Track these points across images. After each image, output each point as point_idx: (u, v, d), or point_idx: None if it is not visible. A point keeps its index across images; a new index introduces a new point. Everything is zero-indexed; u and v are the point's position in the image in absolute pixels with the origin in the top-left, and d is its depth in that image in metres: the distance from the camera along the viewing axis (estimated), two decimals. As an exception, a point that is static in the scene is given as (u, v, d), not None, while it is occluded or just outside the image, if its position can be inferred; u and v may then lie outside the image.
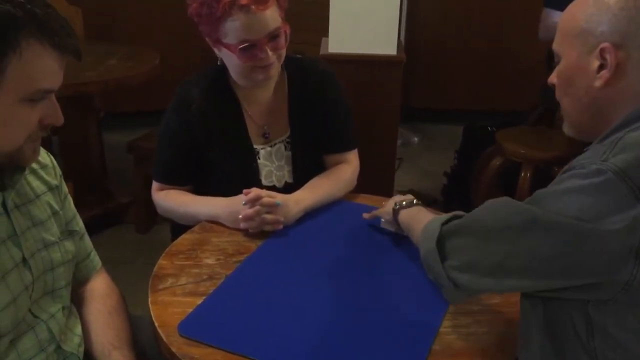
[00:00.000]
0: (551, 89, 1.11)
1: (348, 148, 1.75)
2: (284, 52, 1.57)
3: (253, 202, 1.48)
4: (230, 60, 1.55)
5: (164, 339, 1.13)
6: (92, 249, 1.33)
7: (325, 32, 2.65)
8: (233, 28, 1.47)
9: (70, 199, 1.26)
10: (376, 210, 1.54)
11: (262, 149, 1.67)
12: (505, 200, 1.03)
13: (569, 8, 1.06)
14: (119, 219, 3.10)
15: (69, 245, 1.20)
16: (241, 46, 1.48)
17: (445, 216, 1.14)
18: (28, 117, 0.98)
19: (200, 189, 1.67)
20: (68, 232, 1.22)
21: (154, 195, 1.68)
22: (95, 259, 1.34)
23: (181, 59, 3.73)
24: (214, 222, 1.54)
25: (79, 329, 1.22)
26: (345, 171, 1.72)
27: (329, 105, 1.69)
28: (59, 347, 1.15)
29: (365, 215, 1.56)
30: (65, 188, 1.25)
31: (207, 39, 1.56)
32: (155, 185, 1.69)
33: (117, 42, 3.46)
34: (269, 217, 1.48)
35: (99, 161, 3.18)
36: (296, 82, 1.69)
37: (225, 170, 1.65)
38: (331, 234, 1.52)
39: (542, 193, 0.98)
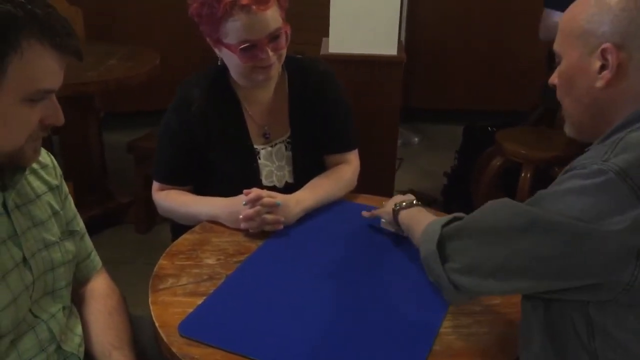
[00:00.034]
0: (551, 89, 1.11)
1: (348, 148, 1.75)
2: (284, 53, 1.57)
3: (253, 202, 1.48)
4: (231, 61, 1.55)
5: (165, 339, 1.13)
6: (93, 249, 1.33)
7: (325, 32, 2.65)
8: (234, 28, 1.47)
9: (70, 199, 1.26)
10: (376, 210, 1.54)
11: (262, 149, 1.67)
12: (505, 201, 1.03)
13: (570, 8, 1.05)
14: (119, 219, 3.10)
15: (69, 245, 1.20)
16: (242, 46, 1.48)
17: (445, 218, 1.14)
18: (29, 117, 0.98)
19: (201, 189, 1.67)
20: (68, 232, 1.22)
21: (154, 196, 1.68)
22: (96, 259, 1.34)
23: (181, 59, 3.73)
24: (214, 222, 1.54)
25: (79, 329, 1.22)
26: (345, 171, 1.72)
27: (329, 105, 1.69)
28: (59, 347, 1.15)
29: (365, 214, 1.56)
30: (65, 188, 1.25)
31: (207, 39, 1.56)
32: (155, 185, 1.69)
33: (117, 42, 3.45)
34: (269, 217, 1.48)
35: (99, 161, 3.18)
36: (296, 82, 1.69)
37: (225, 171, 1.65)
38: (331, 234, 1.52)
39: (543, 194, 0.98)
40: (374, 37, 2.58)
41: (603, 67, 0.99)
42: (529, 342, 1.06)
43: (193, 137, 1.61)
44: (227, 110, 1.64)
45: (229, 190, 1.55)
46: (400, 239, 1.46)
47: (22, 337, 1.09)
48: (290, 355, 1.10)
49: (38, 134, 1.02)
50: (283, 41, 1.53)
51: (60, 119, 1.03)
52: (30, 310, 1.10)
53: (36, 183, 1.16)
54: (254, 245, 1.45)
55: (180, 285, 1.29)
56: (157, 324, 1.17)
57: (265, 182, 1.66)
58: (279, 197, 1.52)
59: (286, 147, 1.69)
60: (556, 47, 1.08)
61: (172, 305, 1.22)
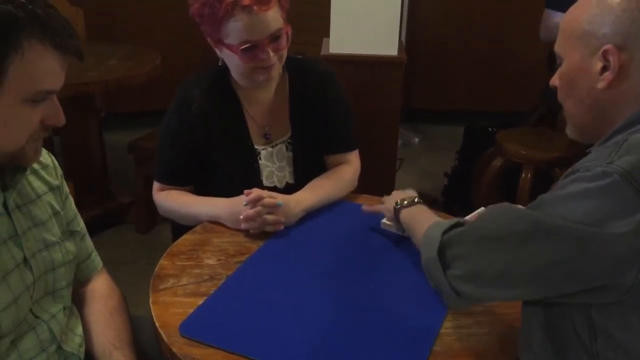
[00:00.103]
0: (552, 90, 1.11)
1: (349, 149, 1.75)
2: (285, 53, 1.57)
3: (254, 202, 1.48)
4: (232, 61, 1.55)
5: (165, 339, 1.13)
6: (93, 249, 1.33)
7: (326, 32, 2.65)
8: (235, 29, 1.47)
9: (71, 199, 1.26)
10: (377, 206, 1.54)
11: (263, 149, 1.67)
12: (505, 206, 1.02)
13: (571, 9, 1.05)
14: (120, 219, 3.10)
15: (70, 245, 1.20)
16: (243, 47, 1.48)
17: (446, 223, 1.13)
18: (29, 117, 0.98)
19: (202, 190, 1.67)
20: (69, 233, 1.22)
21: (155, 196, 1.68)
22: (96, 259, 1.34)
23: (182, 59, 3.73)
24: (215, 223, 1.54)
25: (80, 329, 1.22)
26: (346, 172, 1.72)
27: (329, 105, 1.69)
28: (60, 347, 1.15)
29: (365, 207, 1.56)
30: (66, 188, 1.25)
31: (208, 39, 1.56)
32: (156, 185, 1.69)
33: (118, 42, 3.45)
34: (270, 217, 1.48)
35: (100, 161, 3.18)
36: (297, 82, 1.69)
37: (226, 171, 1.65)
38: (332, 234, 1.52)
39: (545, 198, 0.97)
40: (374, 38, 2.58)
41: (604, 69, 0.99)
42: (530, 342, 1.06)
43: (193, 138, 1.61)
44: (227, 111, 1.64)
45: (230, 190, 1.55)
46: (400, 239, 1.46)
47: (23, 337, 1.09)
48: (291, 356, 1.10)
49: (39, 134, 1.02)
50: (284, 42, 1.53)
51: (61, 119, 1.03)
52: (30, 310, 1.10)
53: (37, 183, 1.16)
54: (254, 245, 1.45)
55: (180, 286, 1.29)
56: (157, 324, 1.17)
57: (265, 182, 1.66)
58: (280, 198, 1.51)
59: (287, 148, 1.69)
60: (557, 48, 1.07)
61: (172, 305, 1.22)
